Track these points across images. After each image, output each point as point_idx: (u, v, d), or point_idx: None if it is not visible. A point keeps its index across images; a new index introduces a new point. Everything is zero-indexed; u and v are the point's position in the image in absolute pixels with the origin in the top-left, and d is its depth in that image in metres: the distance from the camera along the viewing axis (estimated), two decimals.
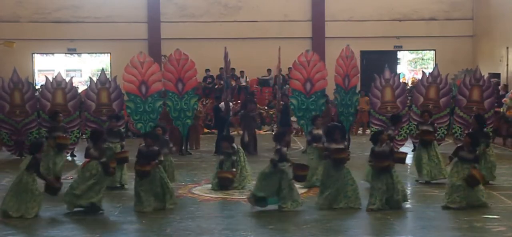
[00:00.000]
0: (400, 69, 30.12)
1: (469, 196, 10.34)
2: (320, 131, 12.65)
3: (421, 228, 9.41)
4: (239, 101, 22.39)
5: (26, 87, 17.15)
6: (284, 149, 10.57)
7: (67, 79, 17.62)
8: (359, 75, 17.52)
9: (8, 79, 17.03)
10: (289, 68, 20.69)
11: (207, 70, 25.31)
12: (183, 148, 17.46)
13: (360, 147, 18.26)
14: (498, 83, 22.33)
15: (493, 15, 25.83)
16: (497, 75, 24.26)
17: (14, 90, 16.97)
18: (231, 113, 18.71)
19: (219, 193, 11.92)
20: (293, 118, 18.93)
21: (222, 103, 18.02)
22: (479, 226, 9.36)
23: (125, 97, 17.04)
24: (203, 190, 12.20)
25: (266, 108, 24.17)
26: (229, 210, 10.68)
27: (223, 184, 12.13)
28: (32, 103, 17.09)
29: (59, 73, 17.85)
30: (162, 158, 10.71)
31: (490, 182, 12.16)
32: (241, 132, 18.61)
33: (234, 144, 12.38)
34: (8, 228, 9.51)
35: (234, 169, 12.15)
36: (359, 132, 22.10)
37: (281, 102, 18.10)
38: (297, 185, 10.91)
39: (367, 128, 19.76)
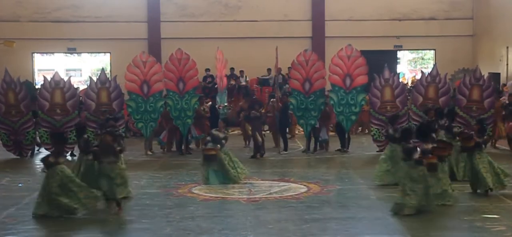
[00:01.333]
0: (400, 68, 30.12)
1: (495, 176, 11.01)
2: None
3: (421, 227, 9.40)
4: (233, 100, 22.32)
5: (19, 87, 17.15)
6: (410, 145, 10.23)
7: (65, 79, 17.63)
8: (367, 74, 17.49)
9: (0, 80, 17.04)
10: (289, 68, 20.67)
11: (207, 70, 25.29)
12: (183, 148, 17.46)
13: (360, 147, 18.28)
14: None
15: (493, 15, 25.83)
16: (497, 75, 24.26)
17: (8, 91, 17.00)
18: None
19: (219, 193, 11.93)
20: None
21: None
22: (479, 226, 9.35)
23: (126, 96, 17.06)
24: (203, 190, 12.18)
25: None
26: (229, 210, 10.66)
27: (208, 159, 12.62)
28: (26, 102, 17.12)
29: (56, 73, 17.87)
30: (59, 160, 10.10)
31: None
32: (241, 132, 18.63)
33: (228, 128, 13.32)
34: (8, 228, 9.51)
35: (218, 146, 12.68)
36: (358, 131, 22.09)
37: (280, 103, 18.07)
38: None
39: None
